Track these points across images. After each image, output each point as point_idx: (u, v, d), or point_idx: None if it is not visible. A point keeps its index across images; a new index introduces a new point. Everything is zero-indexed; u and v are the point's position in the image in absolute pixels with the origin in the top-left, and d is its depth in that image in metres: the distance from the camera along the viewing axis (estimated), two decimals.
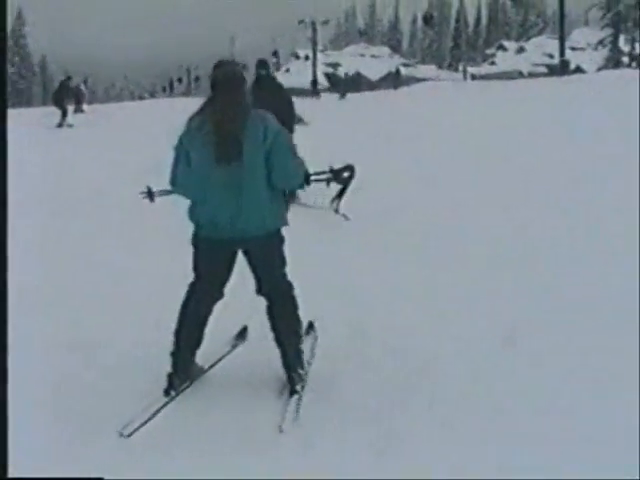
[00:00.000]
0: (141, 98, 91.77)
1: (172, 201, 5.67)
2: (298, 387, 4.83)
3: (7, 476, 3.35)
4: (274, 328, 4.90)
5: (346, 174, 5.55)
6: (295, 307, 4.95)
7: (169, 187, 4.98)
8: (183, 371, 4.89)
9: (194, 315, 4.88)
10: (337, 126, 21.13)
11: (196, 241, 4.83)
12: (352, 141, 16.13)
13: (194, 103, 4.97)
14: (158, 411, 4.62)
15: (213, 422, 4.54)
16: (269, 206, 4.70)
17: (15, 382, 3.48)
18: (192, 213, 4.80)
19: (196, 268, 4.86)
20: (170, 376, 4.85)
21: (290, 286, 4.96)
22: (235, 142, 4.53)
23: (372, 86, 74.22)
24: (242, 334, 5.76)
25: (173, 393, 4.80)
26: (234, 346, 5.62)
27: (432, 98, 32.22)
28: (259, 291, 4.93)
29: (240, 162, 4.55)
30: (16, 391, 3.52)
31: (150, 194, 5.90)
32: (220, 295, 4.93)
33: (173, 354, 4.86)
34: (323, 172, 5.53)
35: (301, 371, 4.93)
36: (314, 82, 58.48)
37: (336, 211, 5.84)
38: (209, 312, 4.92)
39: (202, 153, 4.60)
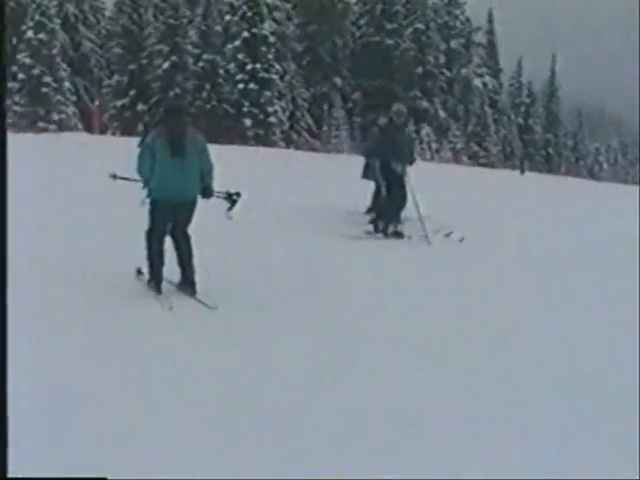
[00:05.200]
0: None
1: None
2: (196, 287, 8.65)
3: (7, 476, 3.39)
4: (180, 255, 8.70)
5: (235, 196, 9.19)
6: (191, 245, 8.69)
7: (135, 176, 8.57)
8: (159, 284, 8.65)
9: (157, 249, 8.54)
10: None
11: (154, 203, 8.39)
12: None
13: None
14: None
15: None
16: (197, 184, 8.48)
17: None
18: (152, 188, 8.34)
19: (153, 220, 8.48)
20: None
21: (189, 234, 8.71)
22: (182, 146, 8.26)
23: None
24: (140, 272, 9.17)
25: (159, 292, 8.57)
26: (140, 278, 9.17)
27: None
28: (172, 233, 8.62)
29: (184, 157, 8.26)
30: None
31: (115, 177, 9.73)
32: (166, 234, 8.58)
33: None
34: (221, 192, 9.04)
35: (195, 278, 8.69)
36: None
37: (229, 217, 9.08)
38: (163, 245, 8.60)
39: (163, 151, 8.22)
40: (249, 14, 57.80)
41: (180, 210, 8.51)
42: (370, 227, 14.30)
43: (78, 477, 4.12)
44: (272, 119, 57.50)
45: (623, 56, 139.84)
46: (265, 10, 58.75)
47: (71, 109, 54.37)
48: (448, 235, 14.38)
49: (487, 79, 75.46)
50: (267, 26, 58.36)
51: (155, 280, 8.58)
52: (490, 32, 79.89)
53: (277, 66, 58.92)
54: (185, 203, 8.49)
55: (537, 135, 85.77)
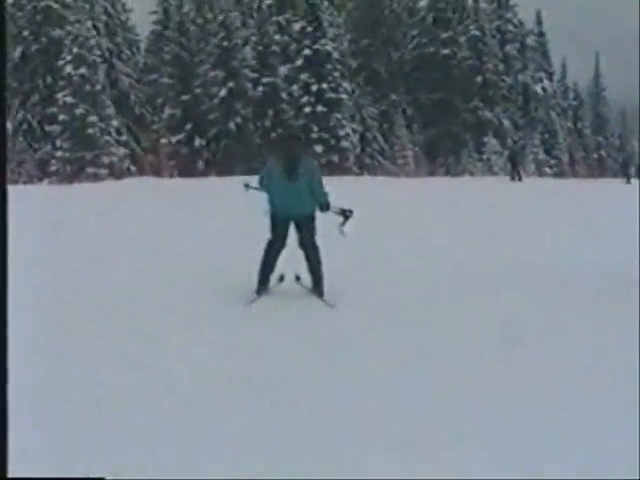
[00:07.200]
0: None
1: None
2: (324, 296, 9.36)
3: (7, 476, 3.33)
4: (310, 263, 9.52)
5: (348, 212, 9.74)
6: (319, 255, 9.50)
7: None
8: (264, 287, 9.51)
9: (272, 257, 9.46)
10: None
11: (273, 217, 9.48)
12: None
13: None
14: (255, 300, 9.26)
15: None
16: (311, 202, 9.43)
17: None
18: (272, 203, 9.46)
19: (273, 232, 9.48)
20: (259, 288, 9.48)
21: (317, 245, 9.55)
22: (295, 170, 9.34)
23: None
24: (281, 277, 9.98)
25: (259, 295, 9.34)
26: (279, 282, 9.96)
27: None
28: (301, 245, 9.49)
29: (297, 180, 9.31)
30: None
31: (247, 186, 10.59)
32: (283, 246, 9.50)
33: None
34: (336, 207, 9.66)
35: (323, 287, 9.46)
36: None
37: (341, 232, 9.63)
38: (278, 255, 9.50)
39: (280, 174, 9.39)
40: (309, 29, 52.50)
41: (298, 224, 9.61)
42: None
43: (78, 477, 4.23)
44: (344, 143, 51.95)
45: None
46: (326, 24, 53.24)
47: (122, 150, 48.65)
48: None
49: (546, 83, 70.30)
50: (328, 41, 53.03)
51: (262, 283, 9.58)
52: (540, 34, 74.81)
53: (345, 84, 53.37)
54: (301, 218, 9.58)
55: (587, 139, 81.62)
